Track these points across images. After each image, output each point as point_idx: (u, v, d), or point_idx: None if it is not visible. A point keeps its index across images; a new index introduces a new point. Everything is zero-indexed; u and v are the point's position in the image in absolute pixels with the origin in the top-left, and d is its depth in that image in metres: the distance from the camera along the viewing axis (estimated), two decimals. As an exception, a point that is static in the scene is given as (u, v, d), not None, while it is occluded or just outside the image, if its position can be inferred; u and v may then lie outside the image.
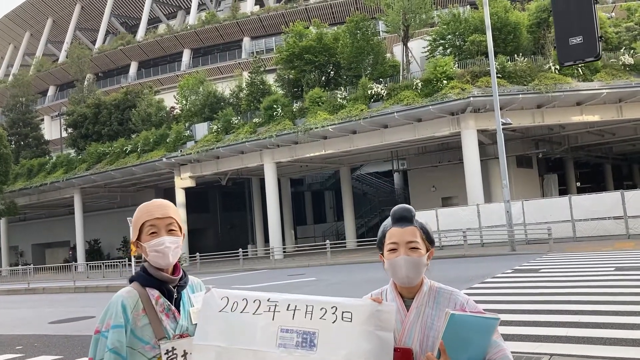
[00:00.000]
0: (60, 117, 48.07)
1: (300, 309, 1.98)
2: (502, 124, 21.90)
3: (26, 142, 49.52)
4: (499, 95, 22.38)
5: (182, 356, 2.12)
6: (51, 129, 59.48)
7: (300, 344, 1.93)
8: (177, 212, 2.29)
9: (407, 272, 2.06)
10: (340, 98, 28.53)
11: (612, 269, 13.59)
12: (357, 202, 41.18)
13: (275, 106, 30.13)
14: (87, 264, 33.03)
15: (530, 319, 8.38)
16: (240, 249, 29.31)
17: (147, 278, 2.20)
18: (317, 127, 27.64)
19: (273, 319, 1.97)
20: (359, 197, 43.23)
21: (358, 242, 31.54)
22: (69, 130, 44.82)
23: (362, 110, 27.02)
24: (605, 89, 25.45)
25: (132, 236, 2.26)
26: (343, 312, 1.97)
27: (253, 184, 41.57)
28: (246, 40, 58.21)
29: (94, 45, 66.51)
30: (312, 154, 30.58)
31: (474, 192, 26.25)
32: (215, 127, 32.87)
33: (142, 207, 2.26)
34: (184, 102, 37.54)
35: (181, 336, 2.14)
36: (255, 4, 61.28)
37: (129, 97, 42.33)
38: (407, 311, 2.09)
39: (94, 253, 45.83)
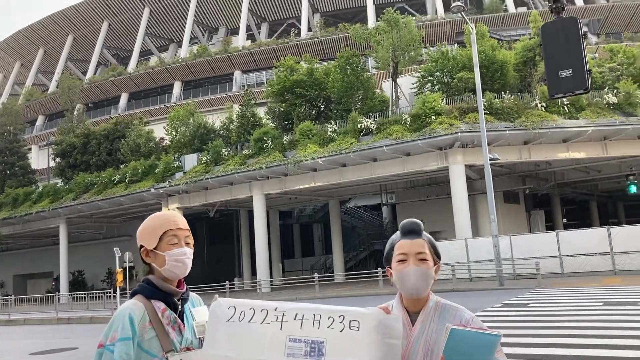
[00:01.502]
0: (49, 146, 47.85)
1: (308, 319, 1.98)
2: (489, 159, 22.16)
3: (12, 171, 49.08)
4: (486, 131, 22.69)
5: None
6: (38, 159, 59.09)
7: (309, 354, 1.92)
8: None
9: (416, 283, 2.08)
10: (330, 131, 28.77)
11: (601, 303, 13.62)
12: (346, 235, 41.09)
13: (265, 138, 30.28)
14: (71, 294, 32.44)
15: (521, 352, 8.34)
16: (226, 282, 28.99)
17: (152, 290, 2.17)
18: (307, 160, 27.75)
19: (281, 329, 1.97)
20: (348, 231, 43.15)
21: (347, 275, 31.34)
22: (57, 159, 44.57)
23: (351, 143, 27.23)
24: (591, 126, 25.90)
25: (149, 244, 2.20)
26: (351, 321, 1.97)
27: (241, 215, 41.39)
28: (237, 74, 58.77)
29: (85, 75, 66.79)
30: (301, 186, 30.62)
31: (462, 226, 26.33)
32: (204, 158, 32.88)
33: (162, 216, 2.26)
34: (174, 133, 37.59)
35: (188, 349, 2.13)
36: (247, 39, 62.12)
37: (118, 128, 42.34)
38: (412, 326, 2.10)
39: (78, 284, 45.05)
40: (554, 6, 5.88)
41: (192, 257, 2.26)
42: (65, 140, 43.51)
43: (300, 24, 60.48)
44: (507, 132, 25.66)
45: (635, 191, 24.21)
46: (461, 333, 1.90)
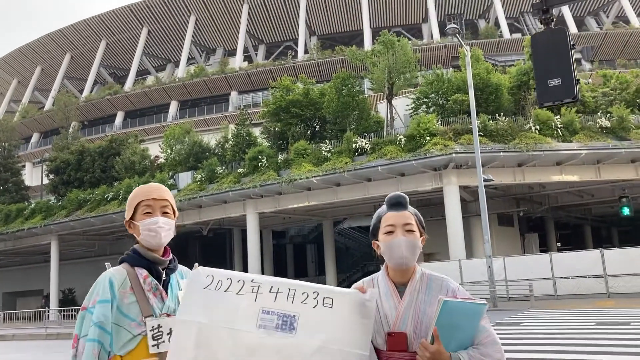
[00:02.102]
0: (43, 163, 47.74)
1: (283, 292, 1.99)
2: (483, 180, 22.22)
3: (5, 187, 48.83)
4: (480, 152, 22.79)
5: (167, 334, 2.13)
6: (32, 176, 58.88)
7: (280, 326, 1.93)
8: (172, 196, 2.35)
9: (404, 253, 2.12)
10: (325, 151, 28.82)
11: (593, 323, 13.56)
12: (339, 256, 40.91)
13: (260, 157, 30.30)
14: (60, 310, 32.04)
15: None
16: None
17: (136, 258, 2.24)
18: (301, 179, 27.76)
19: (255, 300, 1.97)
20: (341, 252, 42.98)
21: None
22: (51, 176, 44.42)
23: (346, 163, 27.27)
24: (584, 149, 26.05)
25: (126, 215, 2.30)
26: (324, 298, 1.98)
27: (234, 234, 41.22)
28: (234, 94, 59.12)
29: (81, 94, 67.07)
30: (295, 205, 30.56)
31: (456, 248, 26.27)
32: (199, 176, 32.85)
33: (139, 188, 2.33)
34: (169, 151, 37.61)
35: (167, 315, 2.17)
36: (244, 60, 62.66)
37: (113, 145, 42.32)
38: (400, 298, 2.12)
39: (68, 303, 44.45)
40: (543, 17, 5.96)
41: (169, 227, 2.27)
42: (60, 156, 43.43)
43: (297, 46, 61.12)
44: (501, 153, 25.77)
45: (628, 213, 24.21)
46: (452, 304, 1.96)
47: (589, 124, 27.38)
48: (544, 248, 37.39)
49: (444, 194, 26.96)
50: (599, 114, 28.36)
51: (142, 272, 2.20)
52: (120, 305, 2.13)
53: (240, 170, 31.41)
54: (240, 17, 62.92)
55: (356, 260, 43.58)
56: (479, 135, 24.13)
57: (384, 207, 2.27)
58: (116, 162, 39.80)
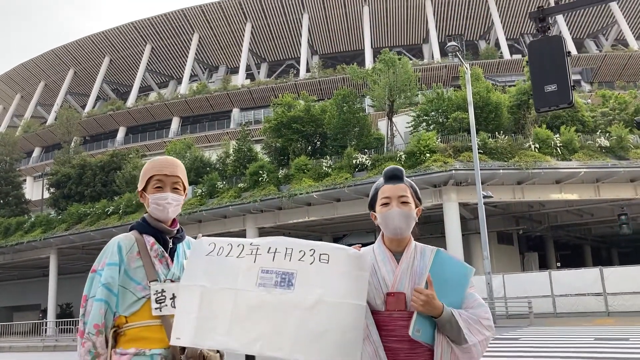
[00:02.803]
0: (44, 177, 47.85)
1: (280, 252, 2.07)
2: (483, 196, 22.30)
3: (6, 201, 48.90)
4: (480, 169, 22.89)
5: (170, 299, 2.23)
6: (32, 190, 59.00)
7: (279, 284, 2.01)
8: (185, 172, 2.48)
9: (399, 223, 2.20)
10: (325, 166, 28.94)
11: (592, 339, 13.54)
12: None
13: (261, 172, 30.40)
14: (57, 322, 31.87)
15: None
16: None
17: (145, 226, 2.38)
18: (301, 194, 27.82)
19: (255, 261, 2.06)
20: (340, 269, 42.84)
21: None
22: (52, 189, 44.50)
23: (346, 178, 27.37)
24: (583, 168, 26.15)
25: (139, 186, 2.45)
26: (321, 254, 2.05)
27: (234, 251, 41.11)
28: (235, 111, 59.44)
29: (84, 109, 67.42)
30: (295, 221, 30.58)
31: (455, 264, 26.19)
32: (199, 190, 32.92)
33: (153, 161, 2.46)
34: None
35: (172, 281, 2.27)
36: (247, 78, 63.12)
37: (114, 160, 42.48)
38: (397, 263, 2.20)
39: (65, 317, 44.27)
40: (540, 25, 6.12)
41: (177, 203, 2.40)
42: (61, 170, 43.56)
43: (299, 65, 61.63)
44: (501, 171, 25.86)
45: (628, 232, 24.22)
46: (444, 255, 2.10)
47: (588, 143, 27.53)
48: (544, 268, 37.27)
49: (443, 210, 27.00)
50: (598, 133, 28.55)
51: (149, 240, 2.32)
52: (127, 269, 2.24)
53: (240, 185, 31.48)
54: (243, 35, 63.57)
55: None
56: (479, 152, 24.25)
57: (381, 179, 2.36)
58: (117, 177, 39.91)
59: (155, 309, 2.21)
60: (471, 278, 2.14)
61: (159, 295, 2.22)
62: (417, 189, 2.34)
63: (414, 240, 2.30)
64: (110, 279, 2.20)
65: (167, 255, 2.33)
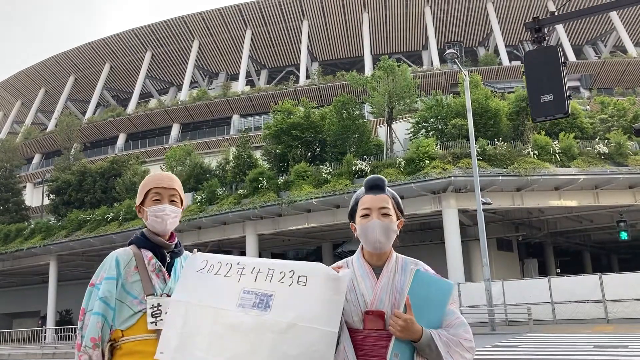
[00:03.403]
0: (44, 183, 47.89)
1: (263, 272, 2.09)
2: (482, 203, 22.34)
3: (6, 207, 48.88)
4: (479, 176, 22.94)
5: (165, 313, 2.25)
6: (32, 196, 59.02)
7: (257, 305, 2.03)
8: (181, 186, 2.53)
9: (378, 236, 2.13)
10: (325, 173, 28.99)
11: (591, 346, 13.53)
12: (338, 280, 40.76)
13: (260, 178, 30.44)
14: (56, 329, 31.82)
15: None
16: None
17: (143, 240, 2.41)
18: (301, 200, 27.86)
19: (239, 281, 2.10)
20: (340, 276, 42.80)
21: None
22: (52, 196, 44.52)
23: (346, 185, 27.42)
24: (582, 175, 26.21)
25: (137, 200, 2.48)
26: (299, 276, 2.05)
27: (233, 257, 41.09)
28: (235, 118, 59.56)
29: (84, 116, 67.53)
30: (295, 227, 30.61)
31: (455, 271, 26.21)
32: (199, 197, 32.95)
33: (151, 175, 2.52)
34: (170, 172, 37.74)
35: (168, 295, 2.30)
36: (247, 84, 63.26)
37: (114, 166, 42.53)
38: (377, 278, 2.14)
39: (65, 324, 44.21)
40: (535, 36, 6.17)
41: (175, 215, 2.44)
42: (61, 177, 43.60)
43: (298, 72, 61.79)
44: (500, 177, 25.92)
45: (626, 238, 24.26)
46: (424, 276, 2.05)
47: (587, 150, 27.59)
48: (543, 274, 37.28)
49: (442, 217, 27.03)
50: (596, 139, 28.62)
51: (147, 254, 2.36)
52: (124, 283, 2.28)
53: (240, 191, 31.51)
54: (243, 42, 63.77)
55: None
56: (478, 159, 24.31)
57: (362, 189, 2.28)
58: (117, 183, 39.95)
59: (151, 323, 2.24)
60: (452, 294, 2.07)
61: (155, 309, 2.25)
62: (400, 200, 2.27)
63: (395, 252, 2.24)
64: (107, 293, 2.23)
65: (164, 269, 2.36)
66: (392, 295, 2.09)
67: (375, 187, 2.22)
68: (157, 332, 2.22)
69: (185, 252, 2.53)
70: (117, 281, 2.27)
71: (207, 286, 2.13)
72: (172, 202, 2.43)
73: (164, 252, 2.41)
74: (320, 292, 2.01)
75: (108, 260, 2.33)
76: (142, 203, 2.46)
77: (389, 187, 2.30)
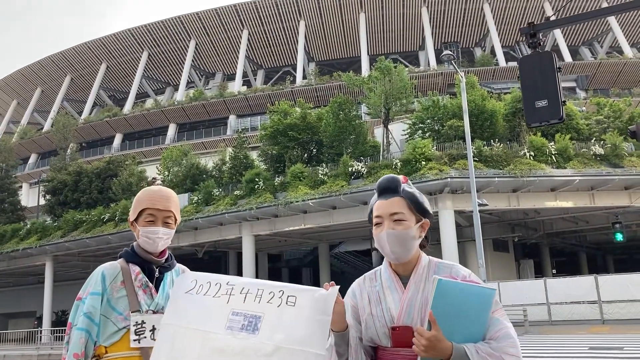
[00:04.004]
0: (40, 184, 47.75)
1: (252, 293, 2.04)
2: (478, 204, 22.36)
3: (1, 208, 48.75)
4: (475, 177, 22.97)
5: (150, 331, 2.22)
6: (28, 196, 58.90)
7: (245, 327, 1.97)
8: (178, 205, 2.46)
9: (392, 247, 1.91)
10: (321, 174, 28.99)
11: (586, 348, 13.57)
12: (335, 280, 39.64)
13: (257, 179, 30.43)
14: (52, 330, 31.74)
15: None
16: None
17: (132, 255, 2.38)
18: (297, 201, 27.85)
19: (227, 302, 2.05)
20: (337, 276, 42.83)
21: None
22: (48, 196, 44.40)
23: (342, 186, 27.43)
24: (578, 176, 26.27)
25: (130, 216, 2.43)
26: (288, 297, 1.99)
27: (230, 257, 41.10)
28: (232, 118, 59.52)
29: (80, 115, 67.38)
30: (291, 228, 30.60)
31: (451, 272, 26.24)
32: (195, 198, 32.92)
33: (147, 192, 2.42)
34: (167, 173, 37.74)
35: (155, 312, 2.25)
36: (243, 85, 63.24)
37: (111, 167, 42.43)
38: (405, 288, 1.93)
39: (61, 325, 44.10)
40: (530, 41, 6.19)
41: (168, 237, 2.40)
42: (57, 177, 43.49)
43: (295, 72, 61.79)
44: (496, 179, 25.95)
45: (622, 239, 24.37)
46: (449, 284, 1.74)
47: (583, 151, 27.67)
48: (539, 275, 37.38)
49: (439, 218, 27.04)
50: (592, 141, 28.69)
51: (135, 269, 2.32)
52: (110, 299, 2.24)
53: (236, 192, 31.49)
54: (240, 42, 63.73)
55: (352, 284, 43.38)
56: (474, 160, 24.35)
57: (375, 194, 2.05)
58: (113, 184, 39.86)
59: (134, 340, 2.20)
60: (493, 301, 1.80)
61: (139, 326, 2.21)
62: (420, 199, 1.99)
63: (427, 256, 2.02)
64: (92, 309, 2.20)
65: (151, 285, 2.31)
66: (422, 308, 1.87)
67: (387, 191, 1.98)
68: (141, 349, 2.20)
69: (177, 266, 2.49)
70: (103, 296, 2.24)
71: (196, 308, 2.08)
72: (166, 224, 2.38)
73: (152, 267, 2.36)
74: (308, 312, 1.94)
75: (94, 275, 2.31)
76: (135, 219, 2.41)
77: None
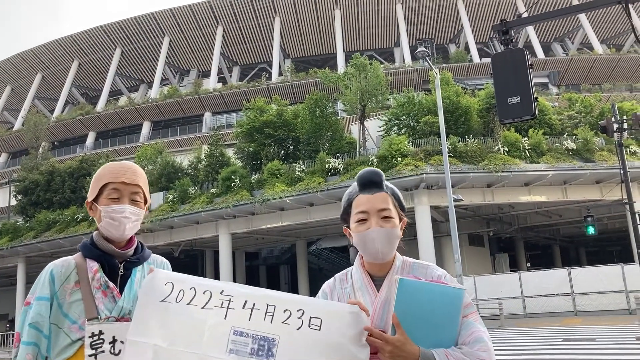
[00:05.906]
0: (10, 184, 46.80)
1: (260, 309, 1.64)
2: (454, 199, 22.56)
3: (-29, 208, 47.75)
4: (450, 173, 23.16)
5: (109, 343, 1.77)
6: (-1, 197, 57.67)
7: (256, 352, 1.59)
8: (146, 181, 2.01)
9: (381, 247, 1.76)
10: (298, 171, 28.96)
11: (560, 340, 13.80)
12: (313, 277, 40.80)
13: (233, 177, 30.26)
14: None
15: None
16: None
17: (90, 248, 1.90)
18: (274, 199, 27.79)
19: (225, 318, 1.63)
20: (315, 272, 42.88)
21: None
22: (19, 197, 43.56)
23: (319, 183, 27.43)
24: (551, 171, 26.69)
25: (89, 196, 1.95)
26: (311, 318, 1.63)
27: (207, 256, 40.86)
28: (207, 115, 59.06)
29: (52, 114, 66.18)
30: (268, 226, 30.53)
31: (428, 267, 26.43)
32: (171, 196, 32.60)
33: (109, 166, 1.96)
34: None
35: (117, 319, 1.80)
36: (218, 82, 62.78)
37: (84, 166, 41.76)
38: (378, 291, 1.78)
39: (34, 327, 43.39)
40: (503, 38, 6.23)
41: (137, 218, 1.94)
42: (28, 177, 42.68)
43: (271, 69, 61.57)
44: (471, 174, 26.23)
45: (594, 232, 24.86)
46: (413, 284, 1.61)
47: (556, 146, 28.12)
48: (514, 268, 37.94)
49: (415, 214, 27.23)
50: (564, 136, 29.18)
51: (92, 266, 1.85)
52: (61, 303, 1.80)
53: (213, 190, 31.27)
54: (215, 38, 63.26)
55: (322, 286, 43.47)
56: (449, 156, 24.57)
57: (354, 186, 1.87)
58: (87, 183, 39.15)
59: (90, 355, 1.75)
60: (464, 301, 1.68)
61: (95, 338, 1.76)
62: (401, 196, 1.88)
63: (401, 256, 1.86)
64: (38, 317, 1.76)
65: (112, 285, 1.84)
66: None
67: (372, 184, 1.81)
68: None
69: (153, 256, 2.03)
70: (52, 301, 1.79)
71: (180, 322, 1.62)
72: (133, 201, 1.91)
73: (115, 262, 1.88)
74: (339, 339, 1.60)
75: (42, 275, 1.83)
76: (95, 199, 1.92)
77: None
